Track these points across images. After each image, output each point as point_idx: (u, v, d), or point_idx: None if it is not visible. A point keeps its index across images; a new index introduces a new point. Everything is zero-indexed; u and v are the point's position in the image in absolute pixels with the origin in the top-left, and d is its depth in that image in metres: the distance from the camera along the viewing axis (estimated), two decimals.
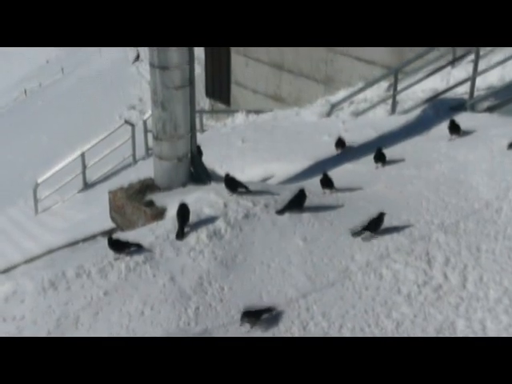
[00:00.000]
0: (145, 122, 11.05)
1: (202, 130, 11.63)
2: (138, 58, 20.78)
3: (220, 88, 12.82)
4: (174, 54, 6.11)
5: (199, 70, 13.04)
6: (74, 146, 11.65)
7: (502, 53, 8.08)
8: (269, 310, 4.55)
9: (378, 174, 6.62)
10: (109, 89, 18.46)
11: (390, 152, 6.90)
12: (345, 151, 7.68)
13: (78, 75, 21.30)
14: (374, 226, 5.21)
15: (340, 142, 7.69)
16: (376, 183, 6.32)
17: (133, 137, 11.06)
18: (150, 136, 8.19)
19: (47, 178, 10.55)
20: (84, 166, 10.66)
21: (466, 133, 7.04)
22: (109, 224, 6.81)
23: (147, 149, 10.92)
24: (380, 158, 6.76)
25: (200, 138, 7.16)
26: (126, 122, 11.56)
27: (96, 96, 18.04)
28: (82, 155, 10.63)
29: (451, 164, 6.38)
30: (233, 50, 12.16)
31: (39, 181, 10.45)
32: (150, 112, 8.65)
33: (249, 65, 12.06)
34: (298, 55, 11.12)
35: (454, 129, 6.98)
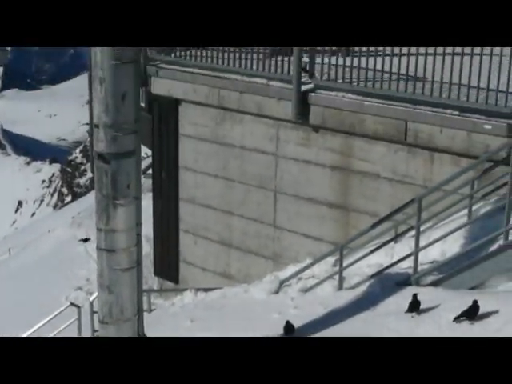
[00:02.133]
0: (91, 303, 10.84)
1: (150, 310, 11.45)
2: (86, 239, 20.80)
3: (169, 266, 12.81)
4: (122, 236, 6.15)
5: (148, 249, 13.08)
6: (18, 329, 11.28)
7: (441, 229, 8.37)
8: None
9: None
10: (56, 269, 18.25)
11: (338, 329, 6.87)
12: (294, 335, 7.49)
13: (25, 256, 21.10)
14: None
15: (288, 328, 7.43)
16: None
17: (79, 319, 10.79)
18: (96, 317, 7.99)
19: None
20: None
21: None
22: None
23: (93, 331, 10.64)
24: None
25: (148, 318, 7.03)
26: (72, 304, 11.34)
27: (43, 277, 17.78)
28: None
29: None
30: (181, 229, 12.31)
31: None
32: (96, 293, 8.52)
33: (197, 243, 12.17)
34: (245, 233, 11.31)
35: (416, 306, 7.01)
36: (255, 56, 10.74)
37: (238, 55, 10.90)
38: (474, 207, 8.25)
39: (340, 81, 9.88)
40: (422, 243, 8.14)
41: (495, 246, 7.52)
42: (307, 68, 10.07)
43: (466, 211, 8.35)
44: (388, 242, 8.95)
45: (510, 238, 7.29)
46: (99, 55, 5.67)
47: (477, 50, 8.64)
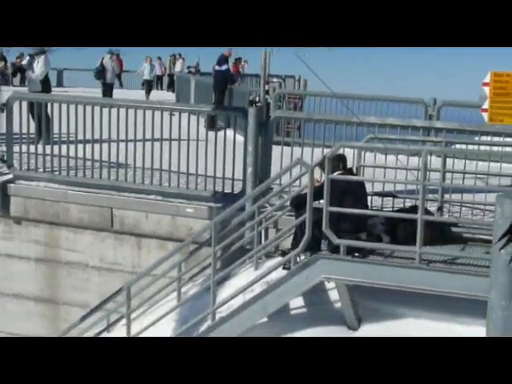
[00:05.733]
0: None
1: None
2: None
3: None
4: None
5: None
6: None
7: (153, 313, 8.35)
8: None
9: None
10: None
11: None
12: None
13: None
14: None
15: None
16: None
17: None
18: None
19: None
20: None
21: None
22: None
23: None
24: None
25: None
26: None
27: None
28: None
29: None
30: None
31: None
32: None
33: None
34: None
35: None
36: None
37: None
38: (182, 289, 8.38)
39: (41, 170, 9.60)
40: (134, 330, 8.02)
41: (205, 326, 7.67)
42: (5, 158, 9.64)
43: (175, 294, 8.45)
44: (100, 332, 8.69)
45: (217, 317, 7.49)
46: None
47: (185, 135, 8.98)
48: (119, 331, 8.55)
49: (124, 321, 8.34)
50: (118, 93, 21.87)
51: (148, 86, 29.45)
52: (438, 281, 6.60)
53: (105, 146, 9.34)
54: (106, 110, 9.29)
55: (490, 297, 3.31)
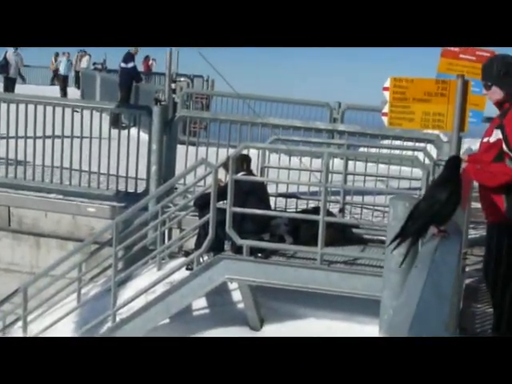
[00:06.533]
0: None
1: None
2: None
3: None
4: None
5: None
6: None
7: (52, 315, 8.12)
8: None
9: None
10: None
11: None
12: None
13: None
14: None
15: None
16: None
17: None
18: None
19: None
20: None
21: None
22: None
23: None
24: None
25: None
26: None
27: None
28: None
29: None
30: None
31: None
32: None
33: None
34: None
35: None
36: None
37: None
38: (82, 290, 8.19)
39: None
40: (32, 332, 7.80)
41: (105, 328, 7.52)
42: None
43: (75, 295, 8.24)
44: None
45: (117, 318, 7.36)
46: None
47: (88, 133, 8.78)
48: (15, 333, 8.27)
49: (20, 323, 8.08)
50: (21, 88, 21.12)
51: (64, 82, 27.91)
52: (338, 281, 6.71)
53: (3, 142, 9.01)
54: (4, 106, 8.97)
55: (383, 297, 3.39)
